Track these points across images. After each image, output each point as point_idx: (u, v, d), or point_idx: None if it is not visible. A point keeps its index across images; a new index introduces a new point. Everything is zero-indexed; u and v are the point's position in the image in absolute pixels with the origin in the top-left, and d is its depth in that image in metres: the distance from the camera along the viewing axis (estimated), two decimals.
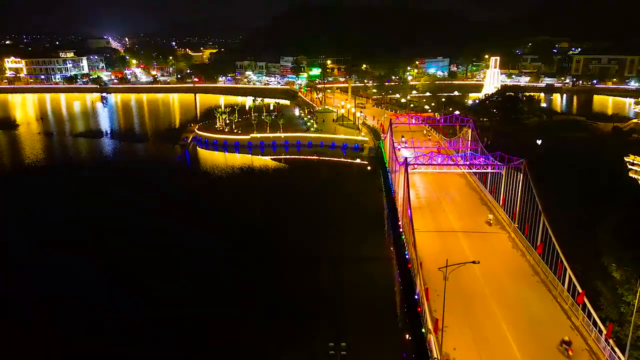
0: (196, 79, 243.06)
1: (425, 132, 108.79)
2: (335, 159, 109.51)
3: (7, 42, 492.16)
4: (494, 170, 61.23)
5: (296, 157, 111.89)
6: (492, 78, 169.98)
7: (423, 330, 38.50)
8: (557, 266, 42.95)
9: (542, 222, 46.84)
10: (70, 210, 78.34)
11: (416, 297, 42.98)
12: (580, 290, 37.97)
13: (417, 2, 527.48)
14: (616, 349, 33.28)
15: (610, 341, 34.04)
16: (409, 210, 50.53)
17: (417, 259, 43.90)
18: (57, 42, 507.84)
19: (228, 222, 73.30)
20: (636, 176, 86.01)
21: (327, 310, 47.12)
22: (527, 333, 37.53)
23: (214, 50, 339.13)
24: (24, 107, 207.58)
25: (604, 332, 34.82)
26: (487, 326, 38.64)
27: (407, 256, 50.69)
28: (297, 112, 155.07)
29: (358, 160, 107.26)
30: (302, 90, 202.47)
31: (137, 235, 67.68)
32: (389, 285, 53.13)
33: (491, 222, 58.85)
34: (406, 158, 57.01)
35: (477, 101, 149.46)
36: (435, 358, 33.65)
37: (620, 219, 38.01)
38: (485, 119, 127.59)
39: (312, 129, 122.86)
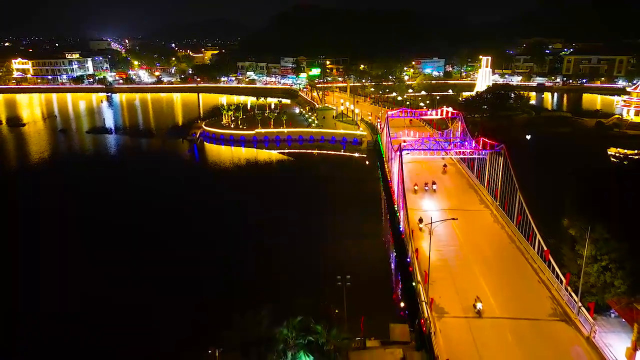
0: (198, 79, 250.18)
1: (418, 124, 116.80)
2: (335, 153, 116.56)
3: (7, 44, 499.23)
4: (479, 156, 68.38)
5: (299, 151, 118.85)
6: (484, 77, 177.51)
7: (414, 283, 45.57)
8: (529, 234, 50.04)
9: (518, 199, 53.98)
10: (93, 199, 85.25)
11: (408, 260, 50.07)
12: (546, 250, 45.09)
13: (415, 5, 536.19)
14: (572, 294, 40.31)
15: (569, 288, 41.09)
16: (402, 190, 57.60)
17: (409, 228, 51.02)
18: (57, 45, 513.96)
19: (239, 205, 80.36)
20: None
21: (333, 264, 53.01)
22: (500, 286, 44.53)
23: (215, 52, 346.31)
24: (35, 106, 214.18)
25: (564, 282, 41.88)
26: (468, 282, 45.65)
27: (401, 229, 57.75)
28: (297, 110, 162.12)
29: (357, 154, 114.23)
30: (301, 89, 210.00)
31: (156, 217, 75.10)
32: (385, 253, 60.89)
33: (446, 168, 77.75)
34: (400, 144, 64.12)
35: (470, 98, 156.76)
36: (422, 301, 40.70)
37: (583, 189, 45.11)
38: (476, 115, 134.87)
39: (313, 125, 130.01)
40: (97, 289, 52.89)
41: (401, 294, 50.67)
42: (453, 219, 44.92)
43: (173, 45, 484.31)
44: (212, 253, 62.03)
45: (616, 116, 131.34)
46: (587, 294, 41.03)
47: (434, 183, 68.94)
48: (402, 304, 49.00)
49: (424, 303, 40.43)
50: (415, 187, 68.13)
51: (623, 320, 38.74)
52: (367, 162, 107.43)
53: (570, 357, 35.38)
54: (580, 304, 38.92)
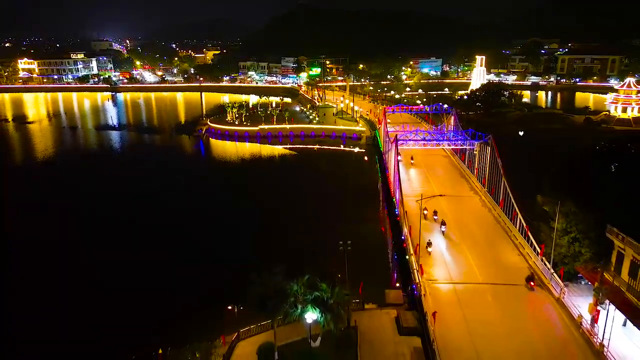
0: (200, 79, 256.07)
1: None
2: (335, 148, 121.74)
3: (7, 44, 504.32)
4: (470, 147, 73.79)
5: (300, 146, 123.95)
6: (479, 76, 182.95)
7: (407, 256, 50.98)
8: (513, 214, 55.43)
9: (503, 184, 59.39)
10: (102, 193, 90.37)
11: (402, 237, 55.47)
12: (525, 226, 50.51)
13: (414, 5, 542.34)
14: (546, 262, 45.70)
15: (543, 259, 46.49)
16: (398, 176, 62.99)
17: (404, 208, 56.42)
18: (57, 45, 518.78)
19: (246, 194, 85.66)
20: None
21: (335, 240, 55.04)
22: (485, 260, 49.95)
23: (217, 52, 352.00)
24: (41, 105, 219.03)
25: (539, 253, 47.28)
26: (456, 256, 51.12)
27: (396, 212, 63.13)
28: (297, 108, 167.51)
29: (356, 149, 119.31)
30: (301, 87, 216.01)
31: (172, 204, 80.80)
32: (382, 233, 66.77)
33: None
34: (396, 135, 69.52)
35: (465, 96, 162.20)
36: (414, 269, 46.11)
37: (557, 171, 50.56)
38: (471, 113, 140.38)
39: (314, 122, 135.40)
40: (119, 262, 58.18)
41: (396, 267, 56.08)
42: (440, 195, 50.11)
43: (174, 45, 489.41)
44: (227, 230, 67.85)
45: (604, 112, 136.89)
46: (560, 263, 46.44)
47: (443, 224, 57.62)
48: (396, 276, 54.49)
49: (415, 271, 45.83)
50: (425, 212, 58.94)
51: (590, 284, 43.96)
52: (365, 158, 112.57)
53: (542, 313, 40.77)
54: (552, 271, 44.36)
